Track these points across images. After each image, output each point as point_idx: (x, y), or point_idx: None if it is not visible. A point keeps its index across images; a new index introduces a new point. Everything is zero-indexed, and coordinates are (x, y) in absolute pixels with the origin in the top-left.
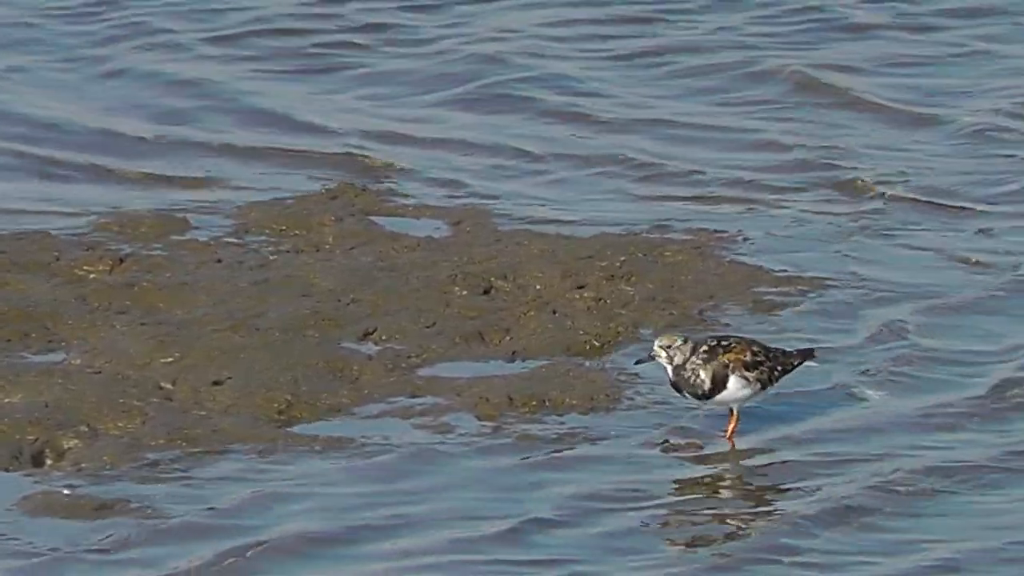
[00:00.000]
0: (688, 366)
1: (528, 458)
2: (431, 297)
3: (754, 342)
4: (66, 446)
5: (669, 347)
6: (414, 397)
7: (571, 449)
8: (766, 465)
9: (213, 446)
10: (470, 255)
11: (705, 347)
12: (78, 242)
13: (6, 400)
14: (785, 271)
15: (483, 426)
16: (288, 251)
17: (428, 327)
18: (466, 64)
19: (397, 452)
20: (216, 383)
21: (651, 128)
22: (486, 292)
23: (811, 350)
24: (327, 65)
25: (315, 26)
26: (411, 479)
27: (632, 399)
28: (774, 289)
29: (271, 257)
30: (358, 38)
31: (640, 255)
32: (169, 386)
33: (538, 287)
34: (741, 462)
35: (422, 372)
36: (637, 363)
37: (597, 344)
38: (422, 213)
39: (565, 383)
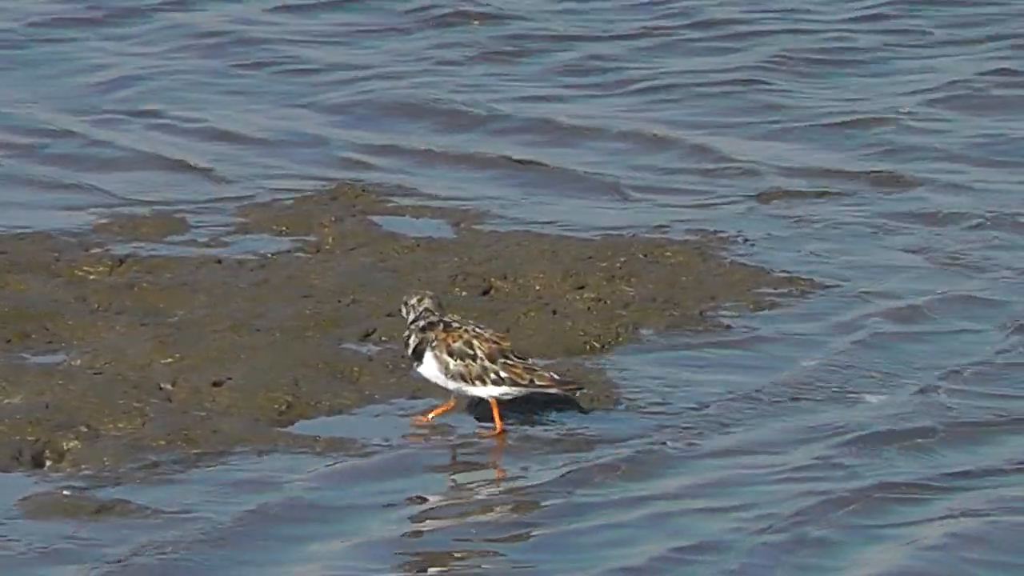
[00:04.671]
0: (410, 326)
1: (528, 459)
2: None
3: (491, 340)
4: (66, 447)
5: (406, 303)
6: (414, 398)
7: (570, 450)
8: (763, 464)
9: (213, 447)
10: (470, 255)
11: (435, 319)
12: (78, 243)
13: (6, 401)
14: (786, 272)
15: (483, 426)
16: (288, 252)
17: None
18: None
19: (397, 453)
20: (216, 384)
21: (648, 130)
22: (486, 292)
23: (572, 386)
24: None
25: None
26: (410, 480)
27: (633, 399)
28: (774, 290)
29: (271, 258)
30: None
31: (640, 256)
32: (169, 387)
33: (538, 287)
34: (741, 461)
35: None
36: (387, 315)
37: (597, 345)
38: (422, 213)
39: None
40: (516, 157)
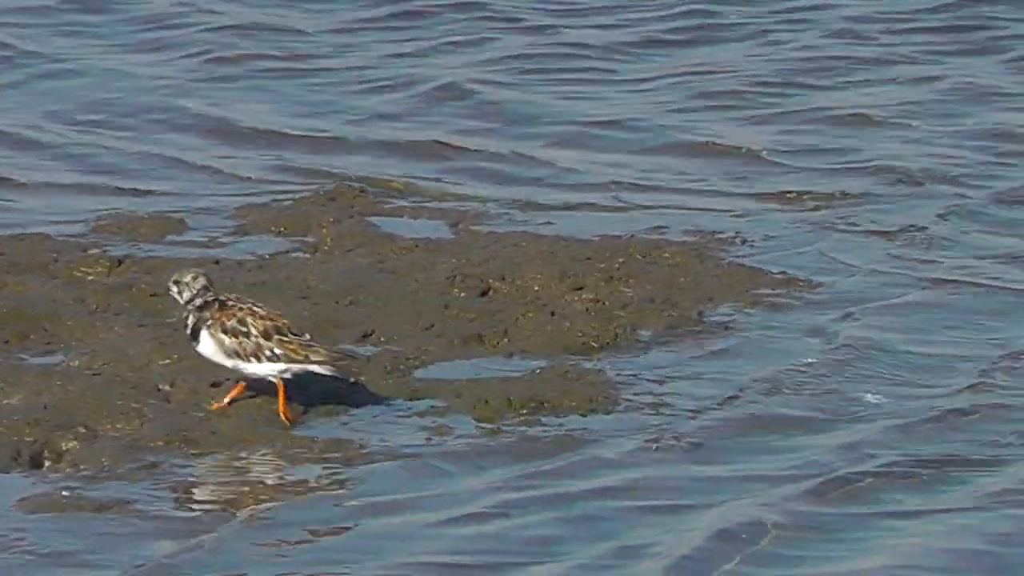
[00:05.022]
0: (188, 306)
1: (527, 460)
2: (429, 299)
3: (267, 317)
4: (65, 447)
5: (177, 282)
6: (413, 399)
7: (568, 450)
8: (761, 463)
9: (212, 448)
10: (468, 256)
11: (212, 298)
12: (76, 244)
13: (5, 401)
14: (784, 273)
15: (481, 428)
16: (286, 252)
17: (426, 329)
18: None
19: (396, 454)
20: (214, 384)
21: (649, 131)
22: (484, 293)
23: (348, 363)
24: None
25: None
26: (410, 481)
27: (631, 400)
28: (772, 291)
29: (269, 258)
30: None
31: (638, 257)
32: (167, 387)
33: (536, 288)
34: (739, 459)
35: (420, 374)
36: (152, 295)
37: (595, 346)
38: (420, 214)
39: (564, 385)
40: (511, 156)
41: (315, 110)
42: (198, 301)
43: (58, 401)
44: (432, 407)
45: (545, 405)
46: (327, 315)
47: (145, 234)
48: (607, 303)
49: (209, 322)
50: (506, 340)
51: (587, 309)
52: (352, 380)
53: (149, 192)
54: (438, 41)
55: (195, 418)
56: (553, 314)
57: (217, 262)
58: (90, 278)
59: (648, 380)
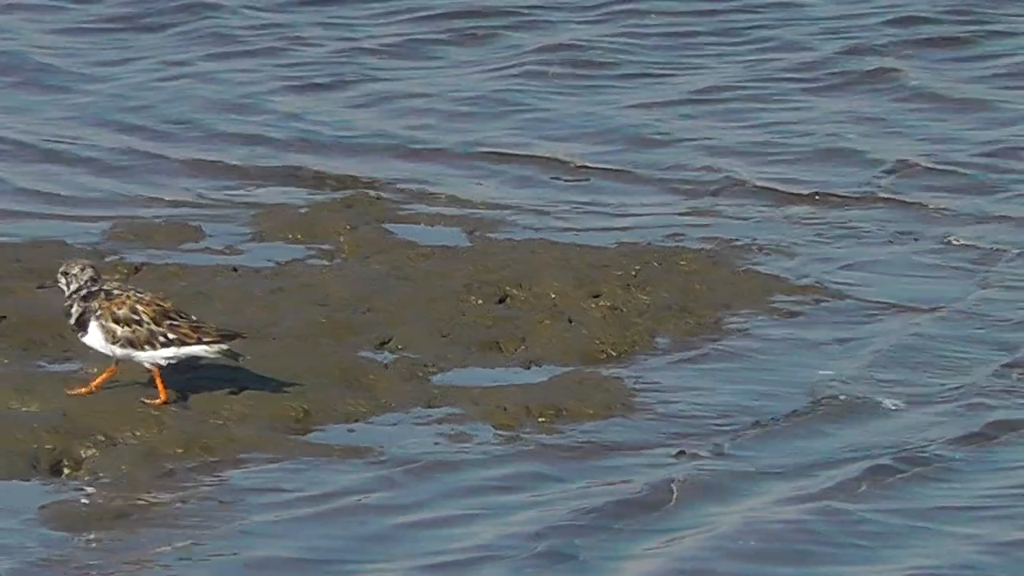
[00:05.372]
0: (72, 297)
1: (545, 467)
2: (447, 306)
3: (153, 303)
4: (83, 455)
5: (66, 273)
6: (431, 406)
7: (587, 456)
8: (778, 471)
9: (230, 455)
10: (485, 264)
11: (98, 288)
12: (93, 251)
13: (23, 409)
14: (800, 280)
15: (500, 435)
16: (303, 260)
17: (444, 336)
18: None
19: (414, 461)
20: (232, 392)
21: (664, 137)
22: (501, 301)
23: (237, 336)
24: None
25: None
26: (428, 488)
27: (649, 407)
28: (789, 298)
29: (286, 266)
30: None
31: (655, 264)
32: (185, 394)
33: (553, 296)
34: (756, 467)
35: (438, 381)
36: (38, 287)
37: (613, 353)
38: (437, 221)
39: (581, 392)
40: (527, 160)
41: (331, 117)
42: (83, 292)
43: (76, 409)
44: (450, 414)
45: (563, 412)
46: (345, 322)
47: (161, 241)
48: (624, 310)
49: (98, 312)
50: (524, 347)
51: (604, 316)
52: (238, 361)
53: (165, 199)
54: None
55: (213, 425)
56: (570, 321)
57: (235, 269)
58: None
59: (666, 387)
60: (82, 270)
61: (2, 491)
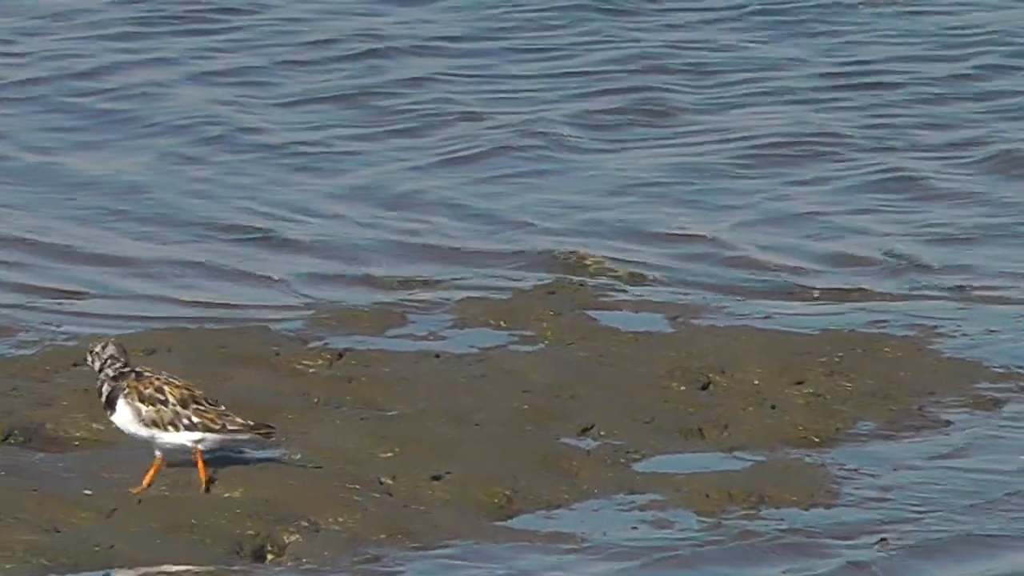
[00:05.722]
0: (100, 375)
1: (748, 552)
2: (649, 392)
3: (181, 387)
4: (287, 540)
5: (91, 351)
6: (633, 492)
7: (790, 546)
8: (984, 562)
9: (433, 541)
10: (688, 350)
11: (129, 368)
12: (297, 337)
13: (226, 495)
14: (1005, 367)
15: (702, 522)
16: (506, 346)
17: (646, 422)
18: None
19: (616, 548)
20: (435, 478)
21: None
22: (704, 387)
23: (267, 429)
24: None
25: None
26: (630, 574)
27: (852, 495)
28: (994, 385)
29: (489, 352)
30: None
31: (858, 351)
32: (389, 480)
33: (756, 382)
34: (962, 558)
35: (640, 467)
36: (74, 365)
37: (816, 440)
38: (640, 308)
39: (784, 479)
40: (729, 244)
41: (534, 200)
42: (109, 371)
43: (280, 494)
44: (652, 500)
45: (766, 499)
46: (547, 408)
47: (365, 327)
48: (827, 397)
49: (125, 391)
50: (726, 433)
51: (807, 403)
52: (271, 439)
53: (369, 283)
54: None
55: (417, 511)
56: (773, 408)
57: (438, 356)
58: (311, 371)
59: (870, 475)
60: (104, 347)
61: None
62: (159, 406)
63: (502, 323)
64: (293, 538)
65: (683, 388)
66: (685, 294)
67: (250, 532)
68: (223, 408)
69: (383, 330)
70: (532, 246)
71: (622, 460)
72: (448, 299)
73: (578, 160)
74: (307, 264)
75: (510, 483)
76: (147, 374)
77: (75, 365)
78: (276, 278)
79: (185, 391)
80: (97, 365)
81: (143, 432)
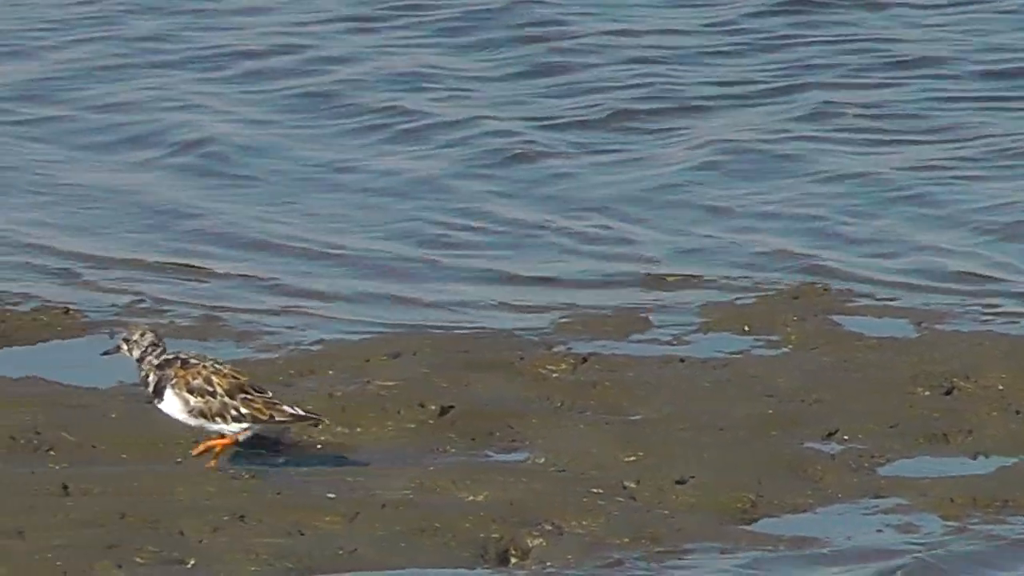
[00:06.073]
0: (144, 364)
1: (992, 558)
2: (893, 397)
3: (229, 376)
4: (530, 544)
5: (127, 339)
6: (877, 497)
7: None
8: None
9: (676, 545)
10: (932, 355)
11: (173, 355)
12: (540, 341)
13: (470, 498)
14: None
15: (947, 526)
16: (750, 351)
17: (891, 427)
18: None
19: (861, 552)
20: (679, 482)
21: None
22: (948, 392)
23: (316, 417)
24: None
25: None
26: None
27: None
28: None
29: (733, 356)
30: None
31: None
32: (632, 485)
33: (1000, 388)
34: None
35: (884, 472)
36: (103, 354)
37: None
38: (883, 313)
39: None
40: (971, 253)
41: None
42: (153, 358)
43: (523, 498)
44: (897, 505)
45: (1010, 504)
46: (791, 413)
47: (609, 332)
48: None
49: (173, 380)
50: (970, 438)
51: None
52: (319, 426)
53: (612, 286)
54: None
55: (660, 515)
56: (1018, 412)
57: (681, 360)
58: (554, 375)
59: None
60: (143, 335)
61: None
62: (208, 397)
63: (746, 327)
64: (536, 542)
65: (927, 393)
66: (928, 299)
67: (494, 536)
68: (270, 395)
69: (627, 334)
70: (775, 248)
71: (866, 464)
72: (691, 303)
73: (819, 162)
74: (553, 268)
75: (754, 487)
76: (193, 361)
77: (105, 354)
78: (521, 279)
79: (232, 379)
80: (137, 353)
81: (190, 422)
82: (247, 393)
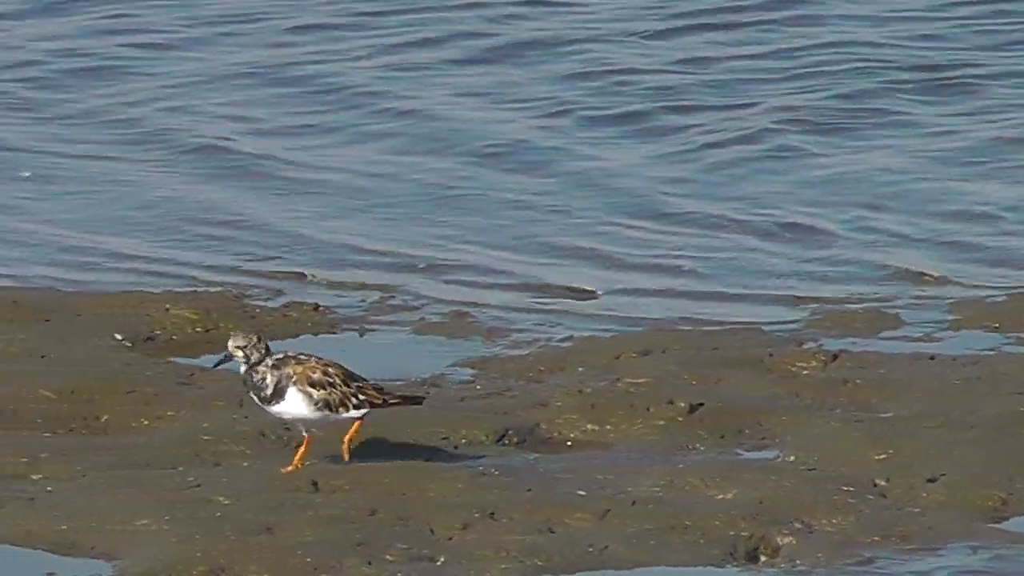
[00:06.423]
0: (260, 367)
1: None
2: None
3: (335, 365)
4: (780, 542)
5: (244, 347)
6: None
7: None
8: None
9: (926, 543)
10: None
11: (281, 355)
12: (790, 338)
13: (719, 496)
14: None
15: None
16: (1001, 348)
17: None
18: None
19: None
20: (930, 480)
21: None
22: None
23: (420, 397)
24: None
25: None
26: None
27: None
28: None
29: (984, 354)
30: None
31: None
32: (883, 483)
33: None
34: None
35: None
36: (216, 365)
37: None
38: None
39: None
40: None
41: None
42: (268, 361)
43: (773, 496)
44: None
45: None
46: None
47: (859, 329)
48: None
49: (294, 378)
50: None
51: None
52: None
53: (863, 282)
54: None
55: (911, 513)
56: None
57: (932, 357)
58: (804, 372)
59: None
60: (258, 340)
61: None
62: (330, 389)
63: (996, 325)
64: (786, 540)
65: None
66: None
67: (744, 534)
68: (373, 382)
69: (877, 331)
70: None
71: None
72: (941, 300)
73: None
74: (805, 265)
75: (1005, 485)
76: (302, 357)
77: (217, 365)
78: (777, 275)
79: (340, 369)
80: (255, 358)
81: (315, 415)
82: (357, 381)
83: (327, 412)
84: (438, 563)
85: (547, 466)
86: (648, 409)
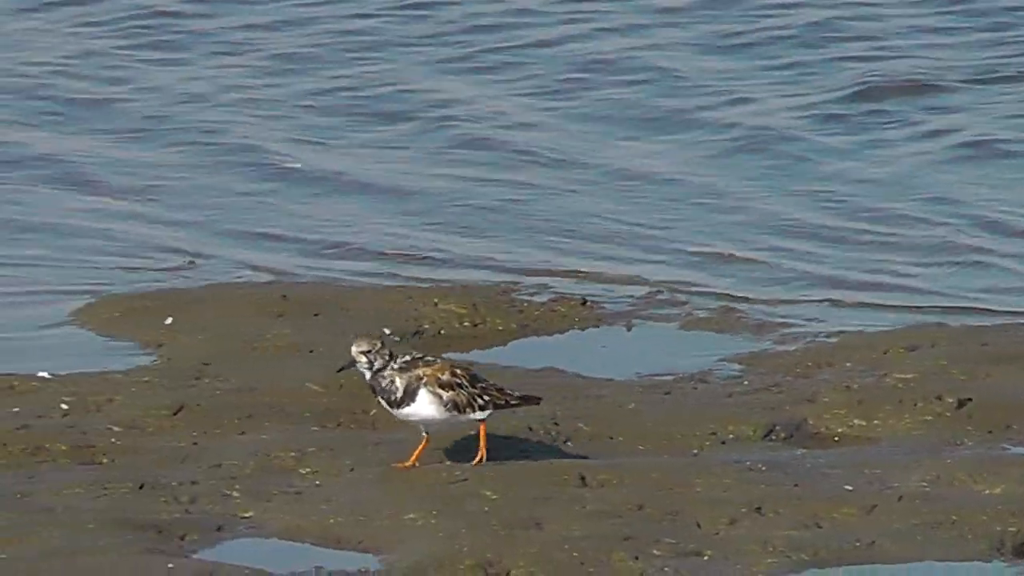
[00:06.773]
0: (386, 372)
1: None
2: None
3: (461, 366)
4: None
5: (368, 352)
6: None
7: None
8: None
9: None
10: None
11: (408, 357)
12: None
13: (987, 491)
14: None
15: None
16: None
17: None
18: None
19: None
20: None
21: None
22: None
23: (537, 398)
24: None
25: None
26: None
27: None
28: None
29: None
30: None
31: None
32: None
33: None
34: None
35: None
36: (339, 371)
37: None
38: None
39: None
40: None
41: None
42: (395, 363)
43: None
44: None
45: None
46: None
47: None
48: None
49: (424, 380)
50: None
51: None
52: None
53: None
54: None
55: None
56: None
57: None
58: None
59: None
60: (382, 345)
61: (962, 572)
62: (458, 390)
63: None
64: None
65: None
66: None
67: (1011, 529)
68: (493, 383)
69: None
70: None
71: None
72: None
73: None
74: None
75: None
76: (429, 359)
77: (340, 371)
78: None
79: (465, 370)
80: (380, 363)
81: (443, 416)
82: (481, 382)
83: (455, 413)
84: (705, 558)
85: (814, 461)
86: (915, 404)
